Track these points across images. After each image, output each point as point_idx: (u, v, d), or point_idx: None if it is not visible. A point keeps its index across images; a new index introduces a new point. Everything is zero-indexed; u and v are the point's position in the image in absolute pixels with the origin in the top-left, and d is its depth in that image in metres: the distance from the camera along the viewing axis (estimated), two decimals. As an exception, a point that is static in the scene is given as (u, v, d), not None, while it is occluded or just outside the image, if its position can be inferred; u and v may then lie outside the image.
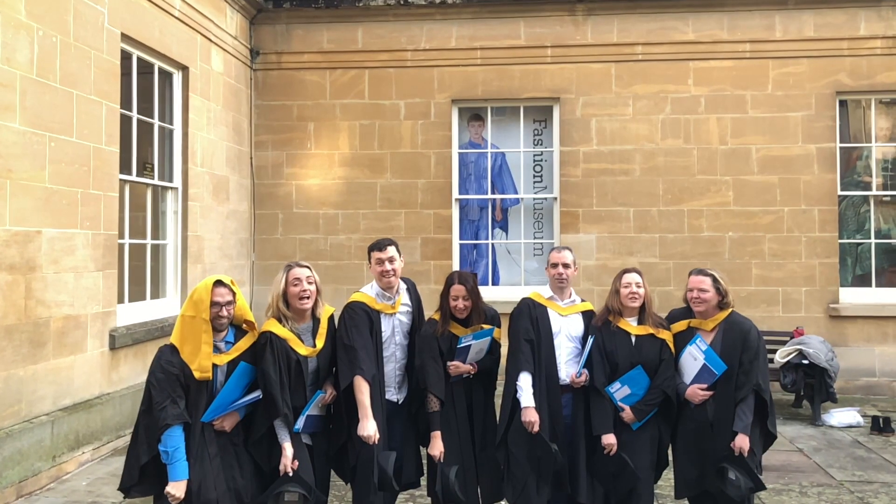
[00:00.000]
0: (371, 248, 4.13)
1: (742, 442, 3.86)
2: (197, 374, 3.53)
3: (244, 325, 3.82)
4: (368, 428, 3.73)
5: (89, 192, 5.90)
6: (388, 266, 4.01)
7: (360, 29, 9.00)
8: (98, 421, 5.95)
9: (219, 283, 3.64)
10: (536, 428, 3.98)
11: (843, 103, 8.74)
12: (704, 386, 4.01)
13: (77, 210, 5.76)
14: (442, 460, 4.05)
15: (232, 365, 3.66)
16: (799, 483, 5.43)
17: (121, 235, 6.50)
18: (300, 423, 3.74)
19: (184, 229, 7.53)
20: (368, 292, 4.11)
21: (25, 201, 5.20)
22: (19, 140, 5.13)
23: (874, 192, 8.71)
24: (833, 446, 6.40)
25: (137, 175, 6.89)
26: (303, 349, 3.80)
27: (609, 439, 4.02)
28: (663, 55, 8.68)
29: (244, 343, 3.75)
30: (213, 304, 3.58)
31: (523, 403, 4.01)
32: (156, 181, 7.25)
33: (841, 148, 8.67)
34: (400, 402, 4.19)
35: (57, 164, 5.52)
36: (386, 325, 4.09)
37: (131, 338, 6.42)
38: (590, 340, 4.12)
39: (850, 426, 7.00)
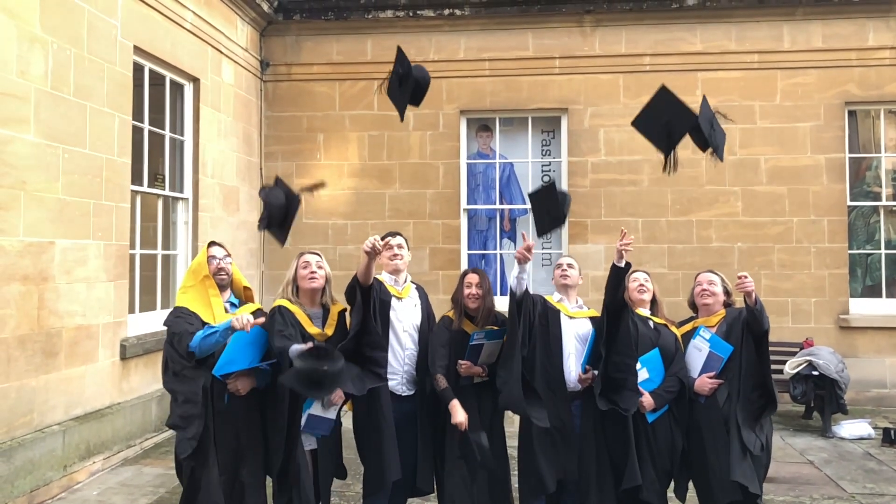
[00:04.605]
0: (382, 238, 4.27)
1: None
2: (213, 323, 3.63)
3: (243, 296, 3.96)
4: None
5: (101, 203, 5.95)
6: (396, 250, 4.27)
7: (370, 40, 9.06)
8: (109, 431, 5.98)
9: (212, 243, 3.86)
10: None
11: (851, 113, 8.74)
12: (713, 374, 4.04)
13: (89, 221, 5.81)
14: (468, 427, 4.04)
15: None
16: (810, 496, 5.40)
17: (132, 246, 6.55)
18: (302, 421, 3.75)
19: (194, 239, 7.58)
20: (379, 276, 4.29)
21: (39, 212, 5.25)
22: (33, 152, 5.19)
23: (884, 202, 8.69)
24: (844, 458, 6.36)
25: (149, 186, 6.95)
26: (312, 328, 3.86)
27: None
28: (671, 66, 8.69)
29: (247, 308, 3.86)
30: (211, 258, 3.75)
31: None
32: (167, 192, 7.30)
33: (850, 158, 8.66)
34: (407, 396, 4.23)
35: (70, 175, 5.57)
36: (396, 307, 4.23)
37: (142, 348, 6.46)
38: (592, 333, 4.14)
39: (861, 438, 6.95)
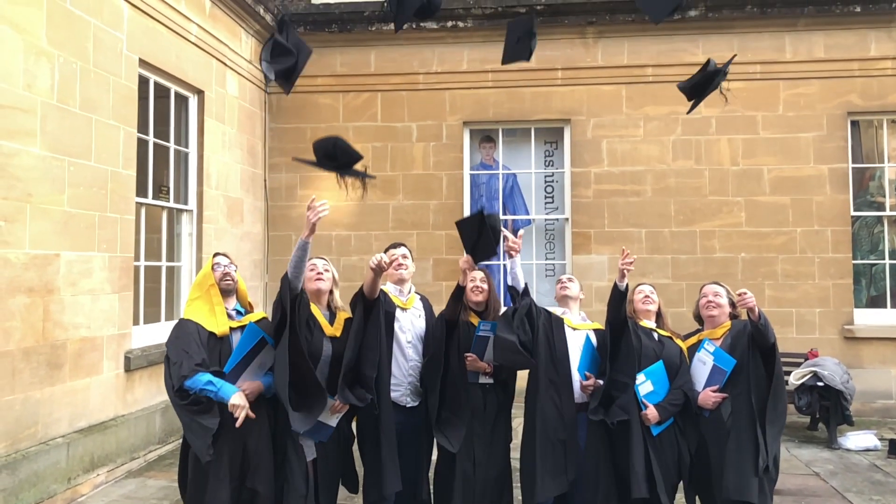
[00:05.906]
0: (387, 249, 4.38)
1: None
2: (217, 332, 3.68)
3: (248, 307, 3.99)
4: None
5: (106, 216, 5.97)
6: (401, 260, 4.33)
7: (373, 52, 9.11)
8: (113, 443, 5.98)
9: (217, 254, 3.93)
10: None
11: (854, 124, 8.74)
12: (716, 388, 4.03)
13: (94, 233, 5.83)
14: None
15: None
16: (816, 508, 5.38)
17: (136, 258, 6.56)
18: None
19: (198, 251, 7.60)
20: (384, 287, 4.33)
21: (45, 224, 5.27)
22: (39, 164, 5.22)
23: (888, 212, 8.67)
24: (850, 470, 6.33)
25: (153, 198, 6.97)
26: (321, 318, 3.93)
27: None
28: (674, 77, 8.61)
29: (253, 316, 3.91)
30: (216, 265, 3.81)
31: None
32: (171, 204, 7.33)
33: (853, 168, 8.66)
34: (411, 407, 4.23)
35: (76, 187, 5.60)
36: (400, 317, 4.25)
37: (146, 360, 6.46)
38: (586, 340, 4.14)
39: (867, 449, 6.91)
